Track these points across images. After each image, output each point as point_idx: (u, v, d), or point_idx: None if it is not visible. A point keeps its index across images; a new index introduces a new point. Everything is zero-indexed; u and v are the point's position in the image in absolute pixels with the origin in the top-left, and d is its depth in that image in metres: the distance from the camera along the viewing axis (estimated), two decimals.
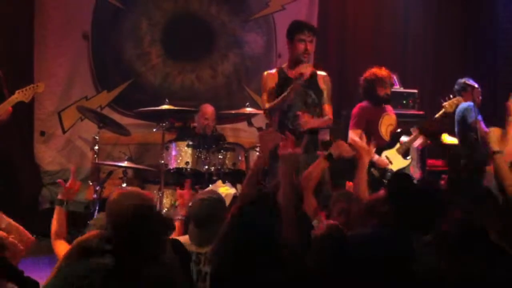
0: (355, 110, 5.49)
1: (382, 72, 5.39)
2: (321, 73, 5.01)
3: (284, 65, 5.00)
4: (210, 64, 7.34)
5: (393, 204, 2.82)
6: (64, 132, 6.75)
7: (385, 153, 5.38)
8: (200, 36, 7.29)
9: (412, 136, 5.47)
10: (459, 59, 7.74)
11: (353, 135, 5.28)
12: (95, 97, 6.88)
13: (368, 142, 3.95)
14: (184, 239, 3.17)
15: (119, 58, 7.00)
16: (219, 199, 3.32)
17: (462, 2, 7.96)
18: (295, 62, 4.89)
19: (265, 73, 5.00)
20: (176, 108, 6.04)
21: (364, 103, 5.52)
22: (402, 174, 4.81)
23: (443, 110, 5.48)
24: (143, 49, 7.07)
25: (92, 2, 6.83)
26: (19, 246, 2.83)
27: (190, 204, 3.38)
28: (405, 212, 2.76)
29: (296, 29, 4.87)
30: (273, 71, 5.00)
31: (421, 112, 6.67)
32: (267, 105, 4.87)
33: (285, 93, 4.71)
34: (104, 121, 5.90)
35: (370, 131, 5.37)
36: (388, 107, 5.60)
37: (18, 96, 5.26)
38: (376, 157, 5.12)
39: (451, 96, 5.60)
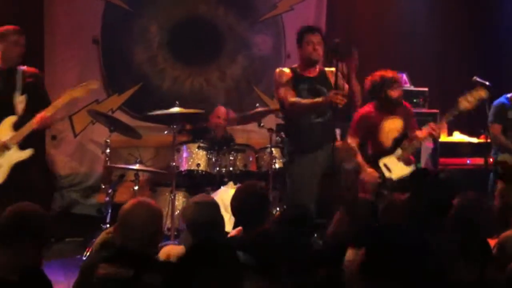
0: (355, 117, 5.22)
1: (390, 73, 5.16)
2: (328, 69, 4.92)
3: (295, 65, 4.97)
4: (219, 67, 7.34)
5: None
6: (75, 136, 6.77)
7: (383, 161, 5.08)
8: (209, 39, 7.29)
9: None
10: (465, 57, 7.74)
11: (351, 142, 5.15)
12: (106, 100, 6.91)
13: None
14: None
15: (129, 61, 7.01)
16: (213, 203, 3.29)
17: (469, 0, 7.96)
18: (306, 63, 4.89)
19: (278, 69, 4.97)
20: (185, 111, 6.03)
21: (365, 109, 5.22)
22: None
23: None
24: (152, 52, 7.08)
25: (101, 6, 6.86)
26: None
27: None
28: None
29: (303, 32, 4.88)
30: (286, 69, 4.96)
31: (435, 111, 6.51)
32: (291, 99, 4.76)
33: (319, 99, 4.68)
34: (115, 124, 5.91)
35: (369, 139, 5.25)
36: (399, 109, 5.26)
37: (72, 92, 4.97)
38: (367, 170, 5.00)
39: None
